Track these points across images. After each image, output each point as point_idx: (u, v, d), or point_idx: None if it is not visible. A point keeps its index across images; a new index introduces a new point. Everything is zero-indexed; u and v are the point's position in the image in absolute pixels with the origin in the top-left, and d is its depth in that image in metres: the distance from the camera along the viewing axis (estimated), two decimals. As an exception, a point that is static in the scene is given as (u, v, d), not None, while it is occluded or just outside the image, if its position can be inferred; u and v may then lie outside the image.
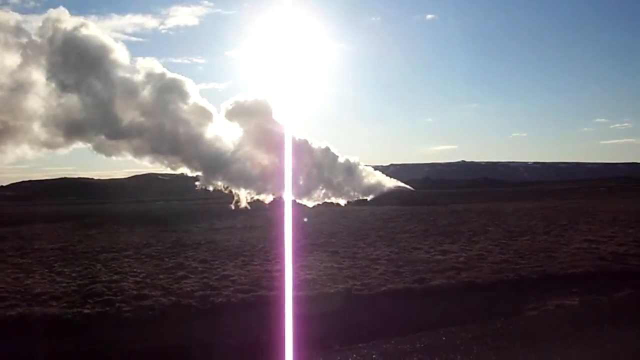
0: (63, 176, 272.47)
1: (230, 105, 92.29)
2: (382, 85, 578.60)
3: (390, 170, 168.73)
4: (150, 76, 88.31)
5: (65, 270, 25.13)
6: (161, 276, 22.80)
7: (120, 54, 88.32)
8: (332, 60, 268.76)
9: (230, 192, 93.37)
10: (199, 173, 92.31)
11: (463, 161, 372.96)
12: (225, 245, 33.34)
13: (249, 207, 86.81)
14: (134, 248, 32.80)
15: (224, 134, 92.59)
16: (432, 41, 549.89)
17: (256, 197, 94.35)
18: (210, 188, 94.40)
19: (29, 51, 78.61)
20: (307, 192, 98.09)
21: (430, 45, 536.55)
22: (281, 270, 22.74)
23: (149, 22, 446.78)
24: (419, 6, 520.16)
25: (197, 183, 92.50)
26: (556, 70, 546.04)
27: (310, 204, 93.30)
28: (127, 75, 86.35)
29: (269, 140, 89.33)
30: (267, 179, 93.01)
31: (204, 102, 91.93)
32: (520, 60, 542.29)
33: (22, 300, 18.78)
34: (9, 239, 40.19)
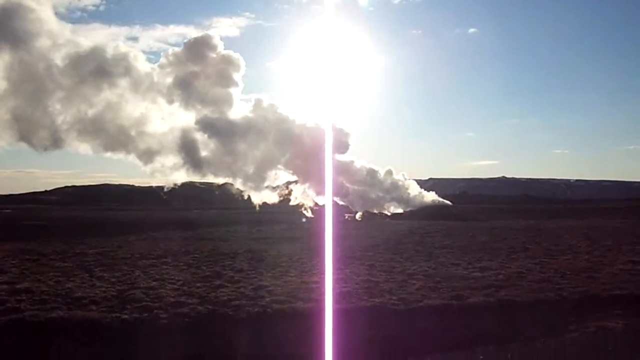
0: (104, 182, 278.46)
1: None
2: (423, 99, 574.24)
3: (430, 184, 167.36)
4: (93, 53, 79.35)
5: (105, 275, 25.57)
6: (198, 284, 22.97)
7: (59, 30, 78.79)
8: (373, 72, 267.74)
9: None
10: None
11: (504, 177, 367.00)
12: (262, 255, 33.47)
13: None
14: (172, 255, 33.19)
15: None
16: (473, 55, 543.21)
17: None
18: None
19: None
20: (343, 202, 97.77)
21: (471, 59, 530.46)
22: (318, 282, 22.70)
23: (192, 32, 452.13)
24: (461, 20, 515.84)
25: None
26: (600, 85, 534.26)
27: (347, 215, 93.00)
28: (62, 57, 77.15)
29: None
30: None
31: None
32: (563, 75, 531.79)
33: (63, 304, 19.12)
34: (51, 243, 41.16)
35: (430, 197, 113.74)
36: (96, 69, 79.05)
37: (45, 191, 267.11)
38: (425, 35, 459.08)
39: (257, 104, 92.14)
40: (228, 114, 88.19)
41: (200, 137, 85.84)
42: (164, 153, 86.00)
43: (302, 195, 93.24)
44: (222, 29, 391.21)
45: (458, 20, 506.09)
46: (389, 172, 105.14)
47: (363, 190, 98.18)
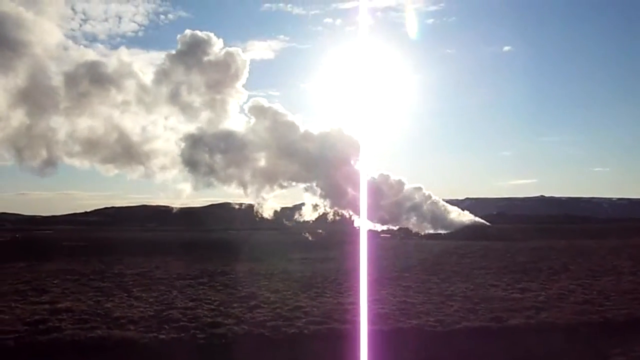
0: (142, 203, 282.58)
1: None
2: (457, 118, 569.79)
3: (466, 204, 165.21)
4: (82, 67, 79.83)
5: (143, 295, 25.83)
6: (234, 305, 23.02)
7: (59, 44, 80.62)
8: (407, 92, 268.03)
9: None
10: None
11: (542, 196, 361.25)
12: (297, 276, 33.41)
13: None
14: (208, 276, 33.36)
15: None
16: (508, 73, 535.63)
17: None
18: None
19: None
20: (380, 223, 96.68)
21: (506, 76, 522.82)
22: (354, 304, 22.50)
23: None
24: (495, 38, 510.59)
25: None
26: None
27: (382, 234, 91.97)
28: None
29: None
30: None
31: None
32: (600, 91, 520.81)
33: (102, 323, 19.35)
34: (90, 263, 41.84)
35: (467, 217, 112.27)
36: (96, 82, 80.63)
37: (85, 212, 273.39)
38: (459, 54, 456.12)
39: (258, 110, 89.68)
40: (228, 122, 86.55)
41: (200, 148, 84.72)
42: (166, 166, 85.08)
43: (312, 209, 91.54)
44: (257, 52, 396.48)
45: (492, 39, 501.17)
46: (401, 183, 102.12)
47: (399, 210, 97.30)
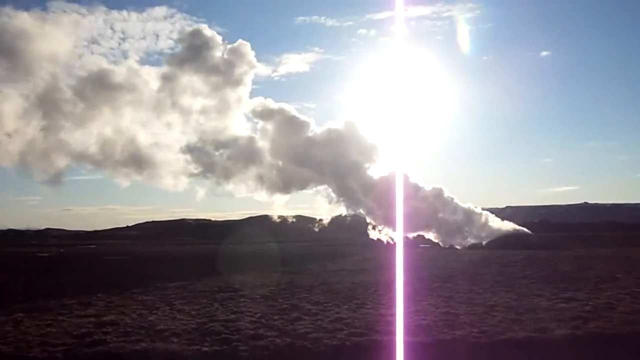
0: (182, 217, 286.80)
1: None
2: (496, 125, 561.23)
3: (507, 213, 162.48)
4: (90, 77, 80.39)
5: (185, 308, 26.05)
6: (276, 317, 23.04)
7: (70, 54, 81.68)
8: (444, 100, 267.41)
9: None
10: None
11: (586, 203, 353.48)
12: (337, 287, 33.30)
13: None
14: (249, 288, 33.48)
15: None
16: (547, 78, 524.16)
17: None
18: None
19: None
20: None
21: (545, 82, 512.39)
22: (395, 315, 22.30)
23: (262, 70, 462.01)
24: (533, 44, 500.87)
25: None
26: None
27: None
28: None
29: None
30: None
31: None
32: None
33: (146, 336, 19.56)
34: (133, 277, 42.44)
35: (508, 226, 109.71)
36: (103, 91, 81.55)
37: (127, 227, 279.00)
38: (495, 61, 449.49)
39: (265, 112, 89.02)
40: (235, 124, 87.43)
41: (209, 153, 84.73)
42: (176, 174, 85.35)
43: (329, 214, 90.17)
44: (291, 65, 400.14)
45: (529, 44, 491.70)
46: (417, 187, 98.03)
47: (437, 220, 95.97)
